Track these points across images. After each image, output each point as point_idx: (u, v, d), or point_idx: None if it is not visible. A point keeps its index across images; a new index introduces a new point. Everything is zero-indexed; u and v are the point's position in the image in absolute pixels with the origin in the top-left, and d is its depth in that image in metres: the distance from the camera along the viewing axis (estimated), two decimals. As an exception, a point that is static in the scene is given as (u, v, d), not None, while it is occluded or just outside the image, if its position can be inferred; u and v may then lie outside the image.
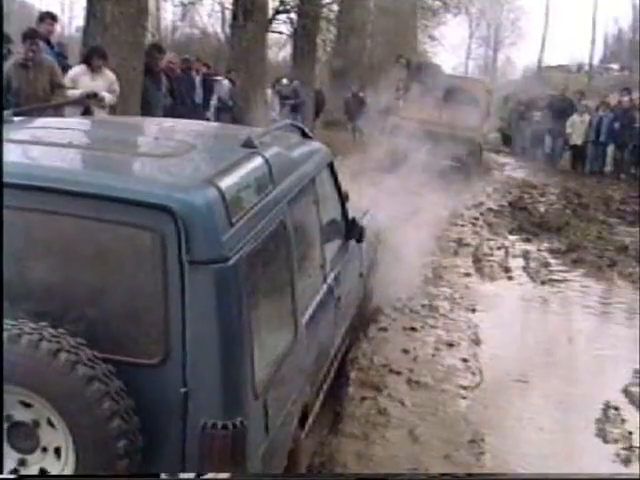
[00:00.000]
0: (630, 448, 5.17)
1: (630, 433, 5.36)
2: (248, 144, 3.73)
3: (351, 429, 5.20)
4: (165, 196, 2.92)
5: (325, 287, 4.61)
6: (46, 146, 3.58)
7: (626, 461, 5.05)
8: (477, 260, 9.97)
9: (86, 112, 5.33)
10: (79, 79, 8.70)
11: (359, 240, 5.64)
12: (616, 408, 5.71)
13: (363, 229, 5.64)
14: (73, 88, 8.49)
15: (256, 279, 3.25)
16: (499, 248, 10.70)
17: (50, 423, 2.83)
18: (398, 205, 8.68)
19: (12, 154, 3.04)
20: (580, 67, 36.42)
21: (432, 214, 10.12)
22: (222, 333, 2.92)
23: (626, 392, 6.05)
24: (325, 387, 4.72)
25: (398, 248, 7.61)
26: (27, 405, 2.83)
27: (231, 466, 2.95)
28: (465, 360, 6.49)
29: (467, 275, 9.32)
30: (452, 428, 5.34)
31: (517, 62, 44.75)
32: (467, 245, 10.77)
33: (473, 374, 6.24)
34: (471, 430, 5.28)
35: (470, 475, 4.22)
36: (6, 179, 2.78)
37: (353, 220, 5.57)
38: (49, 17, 9.37)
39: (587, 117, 17.78)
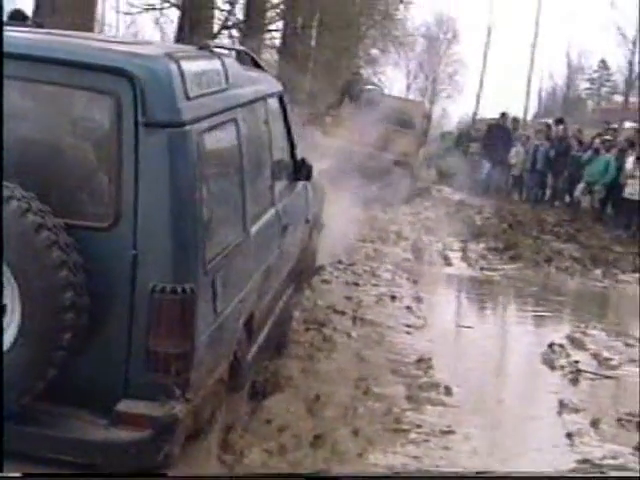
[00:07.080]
0: (577, 371, 5.15)
1: (576, 362, 5.34)
2: (204, 46, 3.70)
3: (296, 352, 5.06)
4: (124, 61, 2.89)
5: (273, 211, 4.48)
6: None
7: (574, 381, 5.02)
8: (416, 249, 9.87)
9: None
10: None
11: (307, 178, 5.53)
12: (561, 346, 5.69)
13: (311, 167, 5.53)
14: None
15: (209, 159, 3.15)
16: (437, 242, 10.66)
17: None
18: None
19: None
20: (515, 121, 37.20)
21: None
22: (174, 197, 2.83)
23: (570, 338, 6.03)
24: (271, 315, 4.55)
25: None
26: None
27: (179, 335, 2.83)
28: (409, 307, 6.43)
29: (407, 260, 9.23)
30: (399, 353, 5.26)
31: (453, 114, 45.51)
32: (406, 239, 10.67)
33: (417, 318, 6.18)
34: (417, 354, 5.21)
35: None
36: None
37: (302, 160, 5.47)
38: None
39: (523, 148, 18.01)
